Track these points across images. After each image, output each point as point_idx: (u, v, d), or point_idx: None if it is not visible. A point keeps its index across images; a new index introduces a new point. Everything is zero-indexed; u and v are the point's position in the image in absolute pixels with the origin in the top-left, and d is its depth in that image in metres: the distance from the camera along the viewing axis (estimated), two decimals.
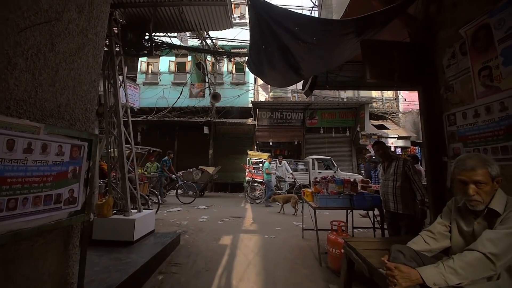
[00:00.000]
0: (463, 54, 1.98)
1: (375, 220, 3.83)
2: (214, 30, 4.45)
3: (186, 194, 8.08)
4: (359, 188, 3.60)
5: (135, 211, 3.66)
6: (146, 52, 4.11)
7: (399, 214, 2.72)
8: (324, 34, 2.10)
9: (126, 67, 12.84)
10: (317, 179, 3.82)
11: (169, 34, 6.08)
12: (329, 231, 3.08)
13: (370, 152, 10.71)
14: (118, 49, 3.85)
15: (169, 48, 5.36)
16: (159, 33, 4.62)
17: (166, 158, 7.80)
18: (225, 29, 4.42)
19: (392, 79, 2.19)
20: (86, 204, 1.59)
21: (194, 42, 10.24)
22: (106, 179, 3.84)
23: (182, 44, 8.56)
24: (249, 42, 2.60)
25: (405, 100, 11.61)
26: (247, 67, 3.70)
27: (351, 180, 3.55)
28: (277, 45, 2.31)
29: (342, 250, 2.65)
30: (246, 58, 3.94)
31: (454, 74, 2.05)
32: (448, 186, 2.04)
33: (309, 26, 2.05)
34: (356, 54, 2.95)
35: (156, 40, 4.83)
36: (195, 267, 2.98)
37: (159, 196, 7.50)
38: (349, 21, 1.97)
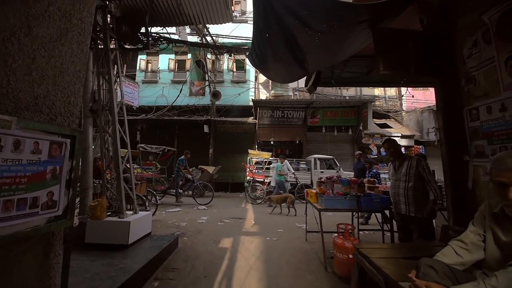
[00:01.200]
0: (486, 42, 1.80)
1: (382, 221, 3.66)
2: (213, 24, 4.27)
3: (203, 194, 7.73)
4: (366, 188, 3.42)
5: (131, 212, 3.50)
6: (142, 46, 3.92)
7: (410, 217, 2.55)
8: (336, 20, 1.90)
9: (125, 65, 12.62)
10: (322, 179, 3.63)
11: (168, 30, 5.89)
12: (334, 234, 2.91)
13: (371, 151, 10.55)
14: (112, 46, 3.67)
15: (167, 42, 5.17)
16: (156, 27, 4.43)
17: (182, 157, 7.53)
18: (225, 23, 4.24)
19: (407, 70, 2.00)
20: (68, 208, 1.42)
21: (193, 39, 10.05)
22: None
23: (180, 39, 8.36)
24: (252, 31, 2.40)
25: (412, 96, 11.32)
26: (249, 60, 3.51)
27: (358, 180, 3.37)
28: (283, 33, 2.12)
29: (350, 256, 2.48)
30: (247, 53, 3.76)
31: (476, 65, 1.87)
32: (470, 187, 1.86)
33: (320, 9, 1.85)
34: (362, 49, 2.76)
35: (153, 35, 4.65)
36: (193, 272, 2.81)
37: (176, 197, 7.30)
38: (363, 6, 1.78)
